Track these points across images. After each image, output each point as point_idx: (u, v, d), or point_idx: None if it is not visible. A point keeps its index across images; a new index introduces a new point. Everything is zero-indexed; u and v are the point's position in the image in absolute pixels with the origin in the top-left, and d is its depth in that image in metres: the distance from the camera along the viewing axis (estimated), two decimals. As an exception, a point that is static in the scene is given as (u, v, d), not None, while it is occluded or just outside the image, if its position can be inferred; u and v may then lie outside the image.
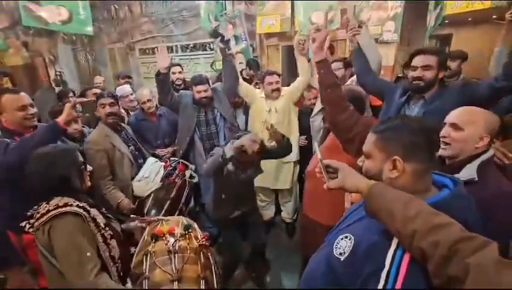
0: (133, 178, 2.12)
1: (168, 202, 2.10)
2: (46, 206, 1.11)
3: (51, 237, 1.07)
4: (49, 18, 4.22)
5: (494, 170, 1.12)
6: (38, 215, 1.10)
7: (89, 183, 1.31)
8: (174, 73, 3.14)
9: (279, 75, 2.61)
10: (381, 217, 0.71)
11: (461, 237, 0.60)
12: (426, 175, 0.78)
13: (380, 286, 0.66)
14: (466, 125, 1.11)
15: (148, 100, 2.62)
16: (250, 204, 2.20)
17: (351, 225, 0.85)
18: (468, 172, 1.08)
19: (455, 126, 1.14)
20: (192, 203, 3.02)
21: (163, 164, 2.26)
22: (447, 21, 3.53)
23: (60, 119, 1.67)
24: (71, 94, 3.23)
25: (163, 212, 2.07)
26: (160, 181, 2.13)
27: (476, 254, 0.56)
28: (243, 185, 2.03)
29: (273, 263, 2.48)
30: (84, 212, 1.13)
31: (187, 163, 2.38)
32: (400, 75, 3.75)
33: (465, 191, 0.77)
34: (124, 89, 3.10)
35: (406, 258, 0.67)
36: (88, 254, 1.06)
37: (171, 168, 2.25)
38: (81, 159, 1.27)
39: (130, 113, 2.97)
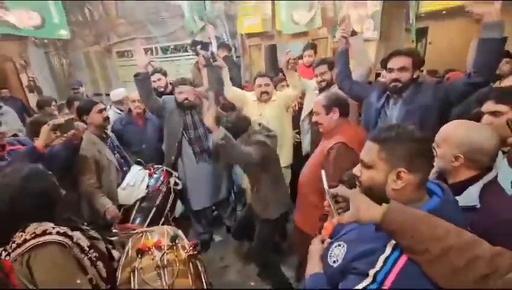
0: (118, 185, 2.09)
1: (154, 209, 2.08)
2: (22, 235, 0.99)
3: (32, 269, 0.95)
4: (19, 23, 3.99)
5: (498, 193, 1.01)
6: (14, 245, 0.98)
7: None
8: (154, 81, 2.90)
9: (270, 78, 2.54)
10: (401, 237, 0.68)
11: (494, 252, 0.64)
12: (425, 183, 0.78)
13: (366, 282, 0.68)
14: (441, 143, 1.07)
15: (138, 100, 2.55)
16: None
17: (342, 235, 0.86)
18: (470, 197, 0.98)
19: (436, 143, 1.09)
20: (182, 209, 2.97)
21: (148, 171, 2.24)
22: (423, 14, 3.65)
23: (38, 144, 1.55)
24: (54, 102, 3.08)
25: (148, 220, 2.03)
26: (146, 189, 2.11)
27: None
28: None
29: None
30: (66, 239, 1.01)
31: (171, 170, 2.36)
32: (379, 72, 3.81)
33: (467, 217, 0.78)
34: (121, 92, 3.18)
35: (402, 259, 0.67)
36: (78, 281, 0.98)
37: (156, 175, 2.24)
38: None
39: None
